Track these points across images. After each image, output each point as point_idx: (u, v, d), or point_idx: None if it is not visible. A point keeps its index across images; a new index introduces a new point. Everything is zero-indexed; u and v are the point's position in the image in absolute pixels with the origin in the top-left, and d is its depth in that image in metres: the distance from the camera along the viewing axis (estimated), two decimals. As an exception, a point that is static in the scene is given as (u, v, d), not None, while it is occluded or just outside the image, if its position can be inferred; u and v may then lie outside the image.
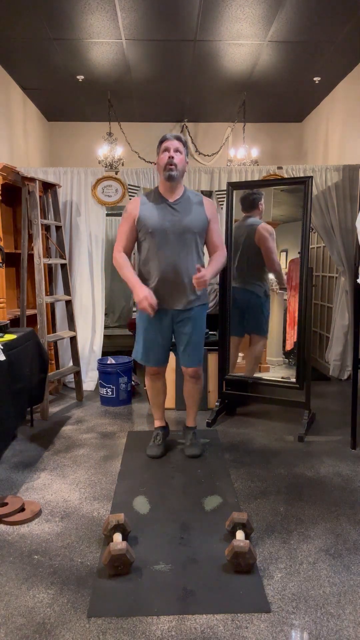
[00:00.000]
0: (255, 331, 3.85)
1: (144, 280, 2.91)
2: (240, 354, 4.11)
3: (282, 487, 2.70)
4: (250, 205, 3.74)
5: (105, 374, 4.14)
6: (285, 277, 3.85)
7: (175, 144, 2.82)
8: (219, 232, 3.01)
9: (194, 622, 1.72)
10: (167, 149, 2.81)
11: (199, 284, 2.73)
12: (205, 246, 3.05)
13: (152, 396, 3.24)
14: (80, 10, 3.84)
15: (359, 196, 4.49)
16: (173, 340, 3.08)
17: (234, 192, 3.83)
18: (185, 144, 2.87)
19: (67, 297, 4.26)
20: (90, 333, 4.60)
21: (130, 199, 4.45)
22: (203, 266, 2.91)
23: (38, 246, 3.84)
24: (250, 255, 3.74)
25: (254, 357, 3.87)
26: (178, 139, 2.84)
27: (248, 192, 3.75)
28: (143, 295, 2.78)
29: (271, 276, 3.89)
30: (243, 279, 3.78)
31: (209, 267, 2.90)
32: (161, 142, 2.86)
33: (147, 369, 3.15)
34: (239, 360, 4.08)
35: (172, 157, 2.78)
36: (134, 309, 7.70)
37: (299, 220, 3.59)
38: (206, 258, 3.09)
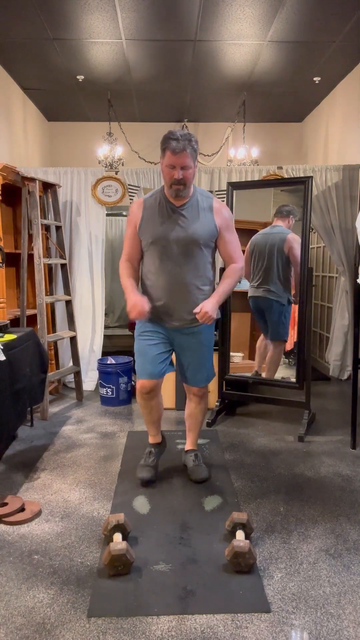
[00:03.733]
0: (276, 337, 3.85)
1: (146, 293, 2.64)
2: (240, 354, 4.11)
3: (282, 487, 2.70)
4: (285, 214, 3.78)
5: (105, 374, 4.14)
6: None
7: (183, 159, 2.36)
8: (234, 243, 2.61)
9: (194, 622, 1.72)
10: (173, 166, 2.39)
11: (204, 320, 2.45)
12: (220, 255, 2.71)
13: (146, 414, 2.79)
14: (80, 10, 3.84)
15: (359, 196, 4.49)
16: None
17: (234, 192, 3.83)
18: (195, 149, 2.41)
19: (67, 297, 4.26)
20: (90, 333, 4.59)
21: (131, 200, 4.48)
22: (212, 282, 2.66)
23: (38, 246, 3.84)
24: (276, 263, 3.77)
25: (274, 361, 3.87)
26: (185, 148, 2.35)
27: (288, 204, 3.80)
28: (133, 302, 2.47)
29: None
30: (266, 286, 3.81)
31: (216, 291, 2.55)
32: (165, 147, 2.39)
33: (139, 385, 2.66)
34: (239, 360, 4.08)
35: (181, 179, 2.40)
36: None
37: (299, 220, 3.59)
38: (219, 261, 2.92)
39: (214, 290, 2.65)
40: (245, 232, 3.94)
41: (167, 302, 2.57)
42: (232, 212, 3.82)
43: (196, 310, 2.46)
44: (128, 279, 2.60)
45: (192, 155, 2.40)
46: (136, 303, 2.48)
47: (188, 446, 2.93)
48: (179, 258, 2.51)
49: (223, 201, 4.28)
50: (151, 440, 2.89)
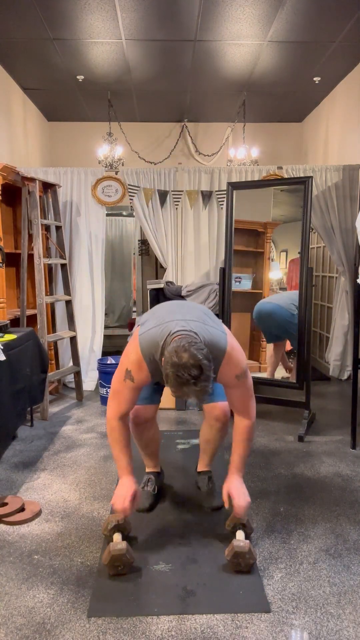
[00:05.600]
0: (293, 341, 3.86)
1: None
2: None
3: (282, 487, 2.70)
4: None
5: (105, 374, 4.14)
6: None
7: (188, 397, 1.82)
8: (240, 398, 2.10)
9: (194, 622, 1.72)
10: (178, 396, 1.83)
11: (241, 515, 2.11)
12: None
13: (143, 446, 2.48)
14: (80, 10, 3.84)
15: (359, 196, 4.50)
16: None
17: (234, 192, 3.83)
18: (210, 377, 1.78)
19: (67, 297, 4.26)
20: (90, 333, 4.60)
21: (131, 200, 4.48)
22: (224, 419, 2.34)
23: (38, 246, 3.84)
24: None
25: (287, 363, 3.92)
26: (188, 395, 1.80)
27: None
28: (123, 493, 2.06)
29: (272, 276, 3.91)
30: (280, 296, 3.85)
31: (236, 465, 2.20)
32: (166, 382, 1.80)
33: (133, 414, 2.29)
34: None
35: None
36: (134, 308, 7.70)
37: (299, 220, 3.59)
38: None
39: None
40: (245, 232, 3.94)
41: None
42: (232, 212, 3.82)
43: (226, 500, 2.14)
44: (122, 451, 2.10)
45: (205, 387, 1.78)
46: (122, 496, 2.05)
47: (201, 467, 2.64)
48: None
49: (223, 202, 4.30)
50: (149, 470, 2.61)
